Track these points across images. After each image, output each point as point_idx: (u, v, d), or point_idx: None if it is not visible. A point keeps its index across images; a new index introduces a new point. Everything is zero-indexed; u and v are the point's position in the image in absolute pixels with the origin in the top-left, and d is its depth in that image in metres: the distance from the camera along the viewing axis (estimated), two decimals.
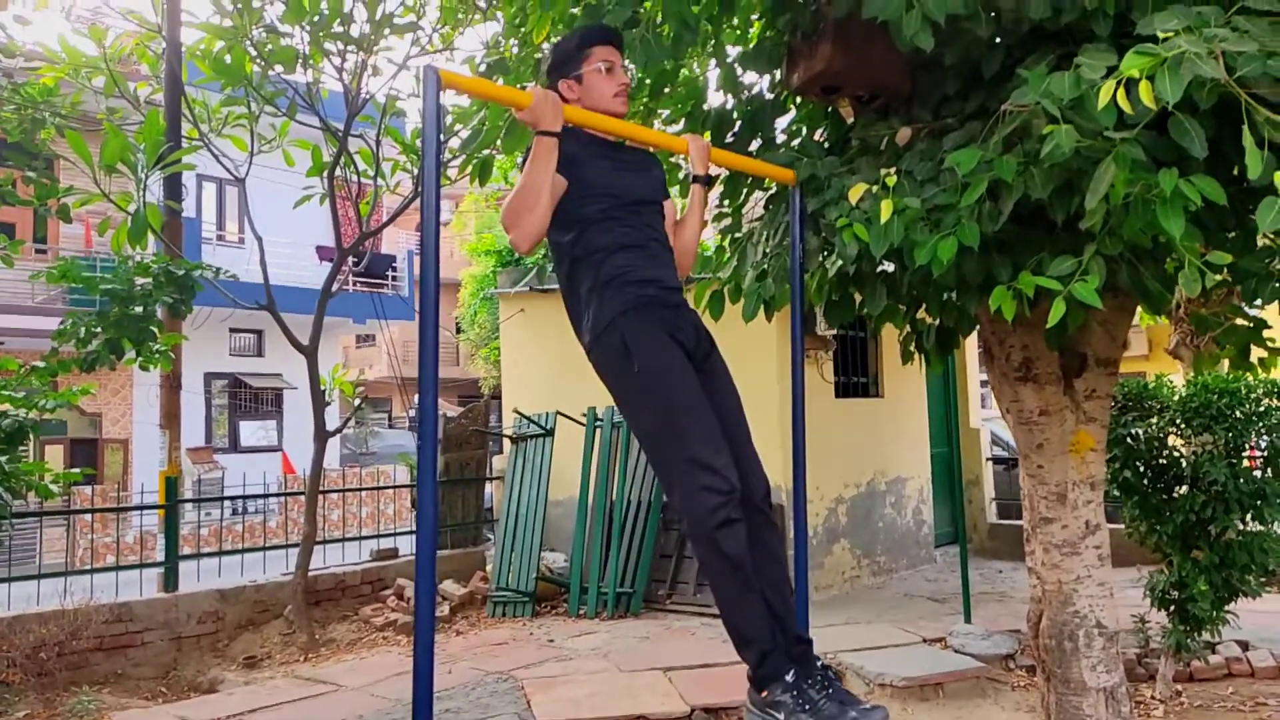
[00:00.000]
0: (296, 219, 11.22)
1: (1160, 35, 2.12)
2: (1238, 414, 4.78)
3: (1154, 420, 5.02)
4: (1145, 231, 2.37)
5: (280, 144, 7.80)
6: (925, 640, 5.97)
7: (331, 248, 13.60)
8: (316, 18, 6.87)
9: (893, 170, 2.67)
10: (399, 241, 20.64)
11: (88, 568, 7.24)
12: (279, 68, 7.30)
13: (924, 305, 3.52)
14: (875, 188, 2.70)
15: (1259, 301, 2.93)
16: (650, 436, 2.46)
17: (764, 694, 2.36)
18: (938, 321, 3.66)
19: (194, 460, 14.92)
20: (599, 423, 7.46)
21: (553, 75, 2.67)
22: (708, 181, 2.81)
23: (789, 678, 2.30)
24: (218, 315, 13.88)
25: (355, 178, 7.90)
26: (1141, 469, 5.00)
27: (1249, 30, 2.20)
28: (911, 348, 3.93)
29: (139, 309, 5.77)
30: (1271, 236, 2.93)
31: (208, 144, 7.60)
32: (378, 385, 27.04)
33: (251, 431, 15.98)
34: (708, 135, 3.73)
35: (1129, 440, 4.99)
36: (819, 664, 2.38)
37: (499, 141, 3.96)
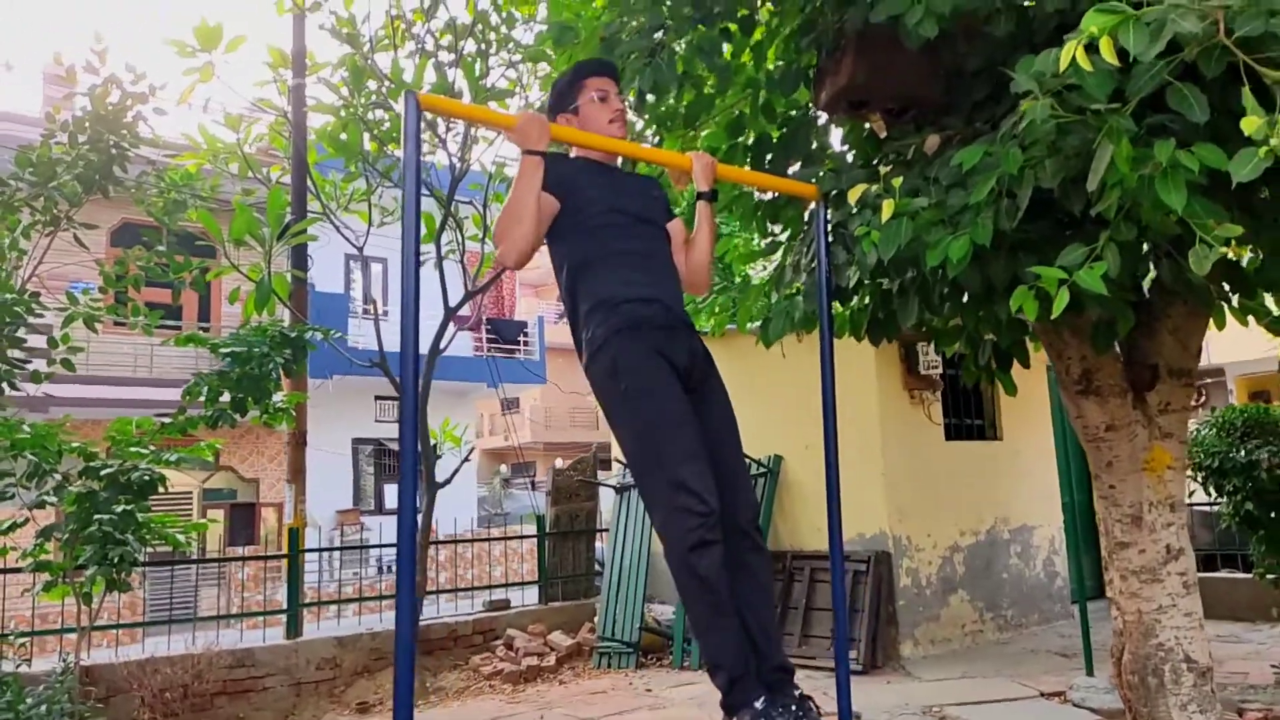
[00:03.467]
0: (433, 290, 11.86)
1: None
2: None
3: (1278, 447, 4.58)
4: (1156, 210, 2.21)
5: (402, 216, 8.27)
6: (1043, 694, 5.55)
7: (466, 316, 14.26)
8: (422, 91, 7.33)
9: (890, 170, 2.60)
10: (535, 310, 21.33)
11: (213, 615, 7.67)
12: (393, 144, 7.80)
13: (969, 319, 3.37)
14: (876, 188, 2.63)
15: None
16: (634, 456, 2.46)
17: None
18: (991, 335, 3.49)
19: (342, 521, 15.69)
20: None
21: (553, 114, 2.76)
22: (713, 197, 2.82)
23: (758, 704, 2.23)
24: (363, 385, 14.70)
25: (464, 243, 8.27)
26: (1266, 502, 4.55)
27: None
28: (973, 367, 3.75)
29: (258, 369, 6.17)
30: None
31: (331, 217, 8.15)
32: (524, 451, 27.74)
33: (396, 494, 16.65)
34: (748, 163, 3.74)
35: (1251, 470, 4.57)
36: (796, 693, 2.29)
37: None
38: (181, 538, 6.14)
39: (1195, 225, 2.12)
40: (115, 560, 5.53)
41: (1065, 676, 5.89)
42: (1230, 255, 3.36)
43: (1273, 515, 4.53)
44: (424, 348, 7.98)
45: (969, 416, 7.68)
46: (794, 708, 2.20)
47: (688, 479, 2.28)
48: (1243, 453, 4.56)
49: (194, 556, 8.93)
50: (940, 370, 7.00)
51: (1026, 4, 2.93)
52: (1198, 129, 2.20)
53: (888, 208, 2.56)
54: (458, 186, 7.77)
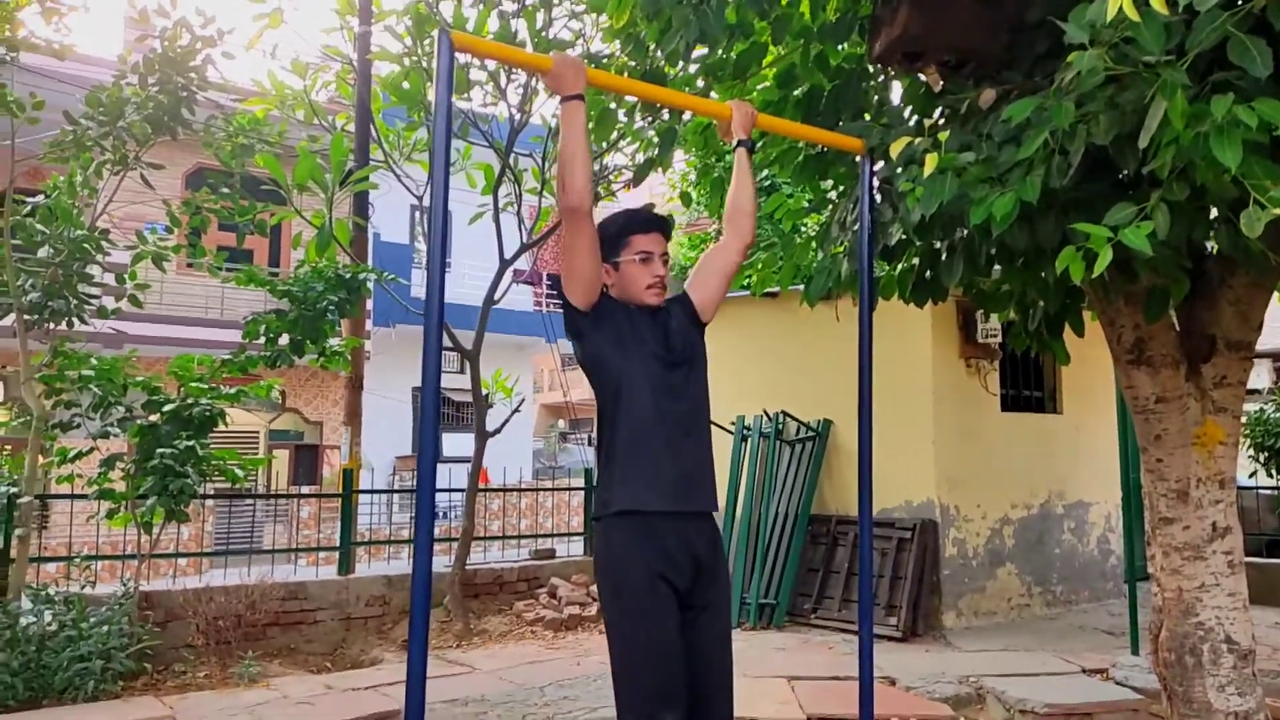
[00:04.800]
0: (490, 240, 11.97)
1: None
2: None
3: None
4: (1211, 169, 2.11)
5: (464, 166, 8.31)
6: (1085, 671, 5.46)
7: (523, 270, 14.30)
8: None
9: (938, 124, 2.52)
10: None
11: (268, 549, 7.92)
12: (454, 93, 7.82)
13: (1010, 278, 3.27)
14: (922, 141, 2.55)
15: None
16: (616, 666, 2.44)
17: None
18: (1039, 300, 3.39)
19: (400, 467, 16.04)
20: (747, 431, 7.38)
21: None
22: (751, 146, 2.77)
23: None
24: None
25: (522, 195, 8.28)
26: None
27: None
28: (1022, 332, 3.65)
29: (313, 309, 6.30)
30: None
31: (393, 165, 8.22)
32: (581, 406, 27.94)
33: (455, 443, 16.95)
34: (799, 116, 3.66)
35: None
36: None
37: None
38: (240, 473, 6.34)
39: (1251, 186, 2.02)
40: (175, 492, 5.74)
41: (1110, 655, 5.78)
42: None
43: None
44: (480, 300, 8.07)
45: (1028, 388, 7.50)
46: None
47: (658, 710, 2.32)
48: None
49: (255, 492, 9.22)
50: (1000, 339, 6.84)
51: None
52: (1263, 86, 2.09)
53: (930, 162, 2.48)
54: (516, 138, 7.78)
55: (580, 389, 27.22)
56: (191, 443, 5.84)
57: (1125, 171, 2.50)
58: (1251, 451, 4.58)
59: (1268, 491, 6.72)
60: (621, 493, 2.43)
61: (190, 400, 5.94)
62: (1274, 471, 4.52)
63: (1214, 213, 2.71)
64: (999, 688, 5.10)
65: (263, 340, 6.51)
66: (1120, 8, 2.09)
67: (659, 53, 3.20)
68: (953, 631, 6.54)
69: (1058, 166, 2.51)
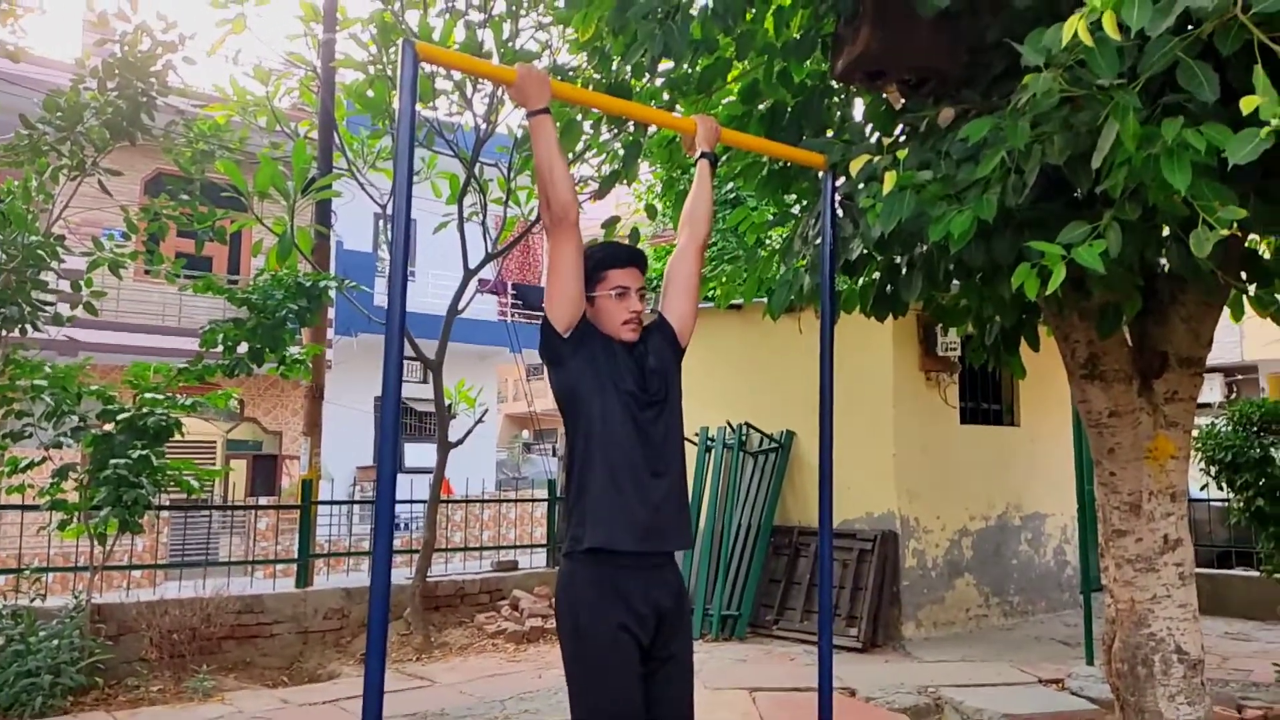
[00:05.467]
0: (454, 249, 11.92)
1: None
2: None
3: None
4: (1162, 190, 2.16)
5: (429, 176, 8.27)
6: (1041, 681, 5.53)
7: (488, 279, 14.22)
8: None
9: (893, 141, 2.56)
10: None
11: (224, 561, 7.80)
12: (420, 101, 7.79)
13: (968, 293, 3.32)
14: (879, 159, 2.59)
15: None
16: (574, 705, 2.43)
17: None
18: (996, 315, 3.44)
19: (361, 478, 15.88)
20: (711, 443, 7.40)
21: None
22: (714, 159, 2.79)
23: None
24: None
25: (487, 205, 8.25)
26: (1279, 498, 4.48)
27: None
28: (979, 346, 3.71)
29: (272, 317, 6.23)
30: None
31: (356, 173, 8.16)
32: (546, 417, 27.83)
33: (416, 453, 16.81)
34: (762, 131, 3.69)
35: (1265, 465, 4.49)
36: None
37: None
38: (196, 484, 6.24)
39: (1200, 207, 2.07)
40: (129, 503, 5.63)
41: (1066, 665, 5.86)
42: (1249, 244, 3.30)
43: None
44: (444, 309, 8.04)
45: (986, 401, 7.61)
46: None
47: None
48: (1257, 448, 4.48)
49: (211, 503, 9.07)
50: (959, 353, 6.92)
51: None
52: (1211, 109, 2.14)
53: (889, 180, 2.52)
54: (482, 148, 7.76)
55: (545, 399, 27.13)
56: (146, 453, 5.74)
57: (1079, 191, 2.55)
58: (1203, 465, 4.69)
59: (1219, 504, 6.86)
60: (592, 532, 2.39)
61: (145, 410, 5.84)
62: (1224, 484, 4.62)
63: (1165, 231, 2.78)
64: (957, 698, 5.16)
65: (221, 349, 6.42)
66: (1075, 33, 2.16)
67: (624, 66, 3.22)
68: (912, 642, 6.60)
69: (1013, 185, 2.56)
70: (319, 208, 8.20)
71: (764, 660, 6.18)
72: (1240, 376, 15.13)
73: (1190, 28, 2.20)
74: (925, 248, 3.12)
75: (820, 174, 3.15)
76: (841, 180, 3.20)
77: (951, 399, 7.15)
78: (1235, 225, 2.08)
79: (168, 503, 7.66)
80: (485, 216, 8.16)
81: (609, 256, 2.61)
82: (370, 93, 7.48)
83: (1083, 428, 7.35)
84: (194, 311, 13.56)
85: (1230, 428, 4.62)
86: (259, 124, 8.16)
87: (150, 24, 6.46)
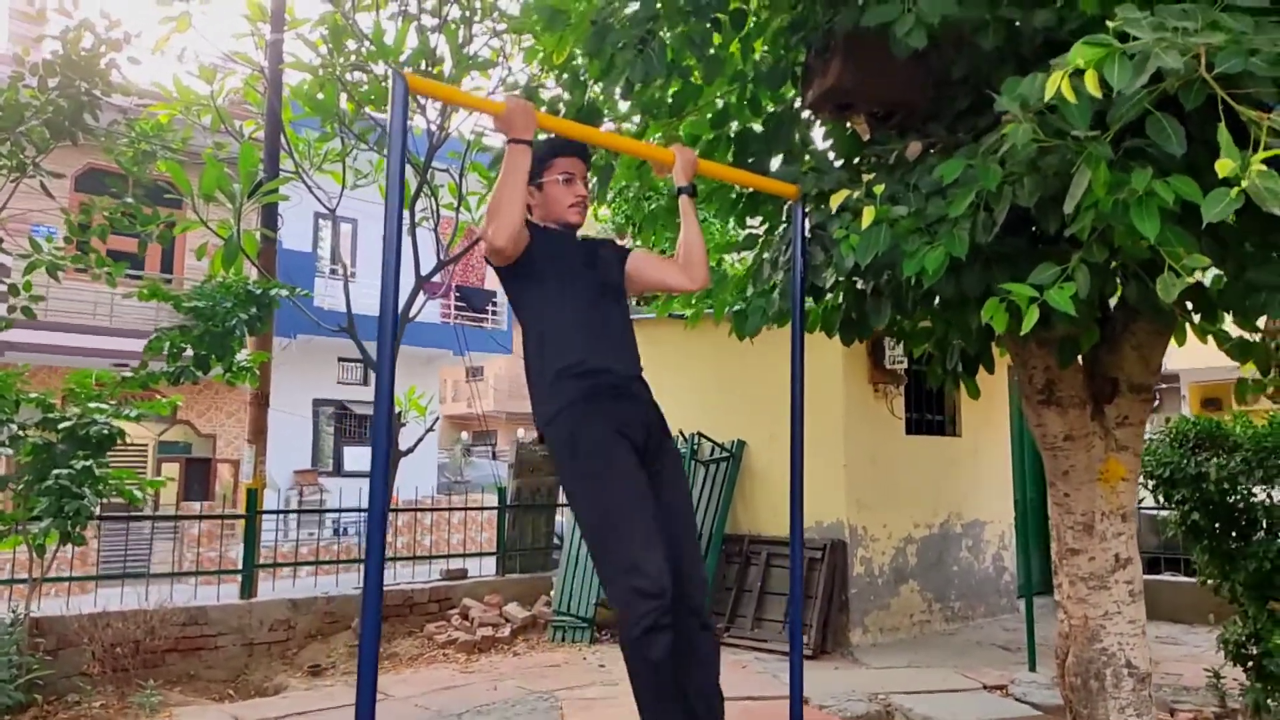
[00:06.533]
0: (407, 254, 11.77)
1: (1127, 30, 2.06)
2: None
3: (1226, 460, 4.70)
4: (1129, 235, 2.27)
5: (376, 179, 8.18)
6: (985, 687, 5.70)
7: (438, 284, 14.10)
8: (403, 56, 7.24)
9: (873, 177, 2.64)
10: None
11: (168, 572, 7.62)
12: (371, 105, 7.70)
13: (934, 321, 3.43)
14: (858, 194, 2.67)
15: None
16: (590, 531, 2.48)
17: None
18: (960, 342, 3.56)
19: (299, 482, 15.60)
20: None
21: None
22: (693, 192, 2.84)
23: None
24: (326, 346, 14.57)
25: (438, 210, 8.20)
26: (1212, 512, 4.68)
27: (1231, 26, 2.11)
28: (940, 370, 3.82)
29: (220, 325, 6.11)
30: None
31: (303, 177, 8.03)
32: (487, 419, 27.65)
33: (355, 456, 16.59)
34: (730, 155, 3.76)
35: (1200, 481, 4.69)
36: None
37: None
38: (139, 494, 6.09)
39: (1166, 253, 2.18)
40: (71, 514, 5.48)
41: (1007, 670, 6.05)
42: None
43: (1217, 526, 4.66)
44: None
45: (930, 412, 7.80)
46: None
47: (643, 563, 2.32)
48: (1193, 464, 4.68)
49: (150, 512, 8.84)
50: (905, 365, 7.10)
51: (1014, 20, 2.96)
52: (1173, 156, 2.26)
53: (868, 215, 2.59)
54: (434, 154, 7.70)
55: (486, 400, 26.94)
56: (89, 463, 5.59)
57: (1046, 230, 2.65)
58: (1142, 480, 4.88)
59: (1149, 512, 7.14)
60: (558, 386, 2.53)
61: (88, 419, 5.69)
62: (1162, 498, 4.82)
63: (1115, 264, 2.90)
64: (907, 705, 5.29)
65: (166, 355, 6.27)
66: (1048, 83, 2.25)
67: (604, 90, 3.25)
68: (859, 648, 6.74)
69: (983, 223, 2.65)
70: (265, 211, 8.06)
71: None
72: (1163, 386, 15.73)
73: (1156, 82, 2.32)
74: (891, 276, 3.21)
75: (789, 202, 3.23)
76: (810, 208, 3.28)
77: (898, 410, 7.32)
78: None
79: (103, 511, 7.45)
80: (437, 223, 8.10)
81: (554, 145, 2.76)
82: (321, 95, 7.38)
83: (1023, 438, 7.58)
84: (124, 311, 13.18)
85: (1168, 445, 4.81)
86: (203, 123, 7.97)
87: (92, 20, 6.27)
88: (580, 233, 2.83)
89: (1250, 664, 4.64)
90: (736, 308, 3.69)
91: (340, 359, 16.35)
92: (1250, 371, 3.44)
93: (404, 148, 2.28)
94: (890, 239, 2.69)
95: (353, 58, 7.38)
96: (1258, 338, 3.18)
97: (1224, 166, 1.81)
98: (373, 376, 7.75)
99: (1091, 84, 1.92)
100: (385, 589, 7.47)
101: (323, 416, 16.52)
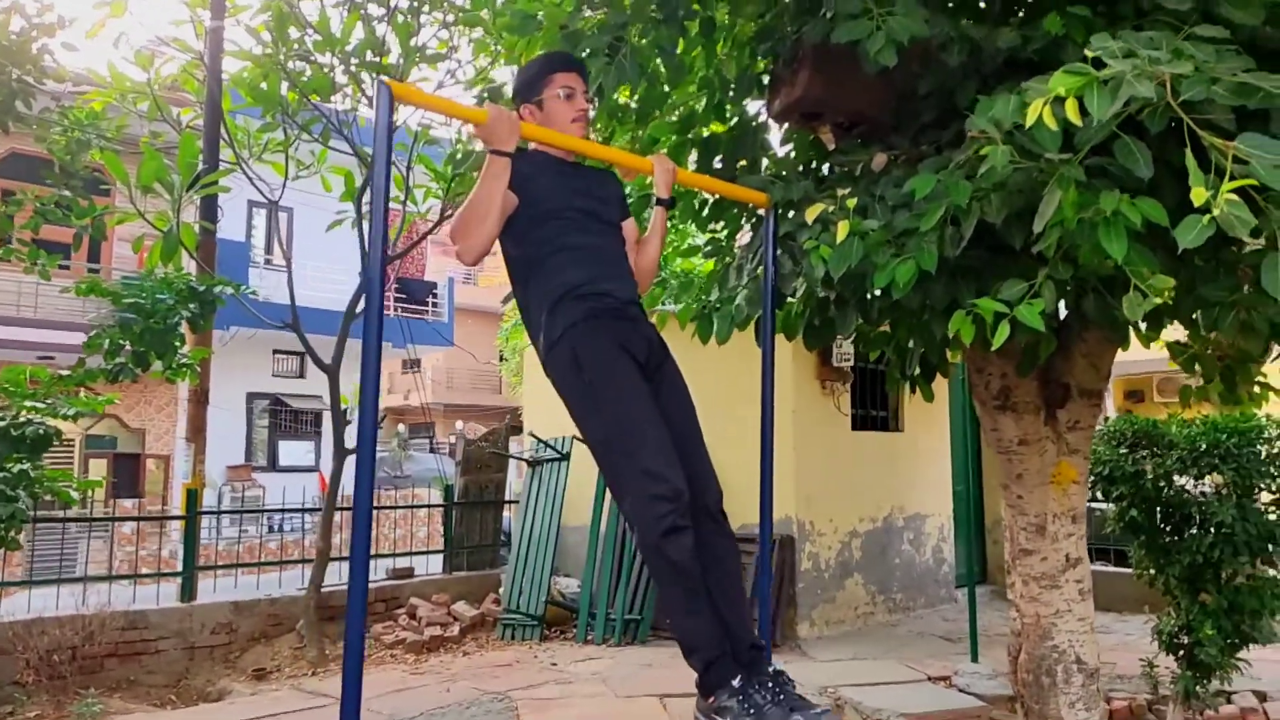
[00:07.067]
0: (343, 245, 11.55)
1: (1102, 58, 2.13)
2: (1247, 453, 4.65)
3: (1163, 459, 4.91)
4: (1095, 254, 2.36)
5: (319, 170, 8.03)
6: (930, 678, 5.86)
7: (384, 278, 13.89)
8: (349, 46, 7.11)
9: (849, 190, 2.69)
10: (444, 269, 20.98)
11: (105, 575, 7.41)
12: (315, 95, 7.54)
13: (901, 329, 3.51)
14: (833, 208, 2.72)
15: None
16: (601, 446, 2.49)
17: (710, 700, 2.36)
18: (921, 349, 3.65)
19: (233, 477, 15.25)
20: None
21: (516, 100, 2.76)
22: (670, 204, 2.86)
23: (735, 683, 2.30)
24: (262, 338, 14.25)
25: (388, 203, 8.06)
26: (1149, 508, 4.88)
27: (1194, 55, 2.20)
28: (897, 375, 3.91)
29: (162, 322, 5.95)
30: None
31: (244, 168, 7.84)
32: (420, 411, 27.32)
33: (290, 451, 16.29)
34: (695, 158, 3.79)
35: (1138, 479, 4.88)
36: (770, 669, 2.38)
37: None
38: (75, 495, 5.91)
39: (1132, 273, 2.27)
40: (5, 518, 5.28)
41: (950, 661, 6.22)
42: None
43: (1153, 522, 4.85)
44: (338, 305, 7.83)
45: (874, 408, 7.96)
46: (770, 684, 2.29)
47: (658, 468, 2.33)
48: (1130, 462, 4.87)
49: (84, 512, 8.56)
50: (852, 362, 7.23)
51: (979, 38, 3.03)
52: (1139, 178, 2.35)
53: (843, 228, 2.64)
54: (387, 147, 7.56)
55: (424, 391, 26.59)
56: (25, 465, 5.40)
57: (1011, 244, 2.74)
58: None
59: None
60: (556, 310, 2.53)
61: (24, 419, 5.49)
62: (1101, 494, 5.01)
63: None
64: (855, 698, 5.40)
65: (104, 352, 6.07)
66: (1021, 106, 2.33)
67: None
68: (807, 641, 6.87)
69: (950, 237, 2.73)
70: (204, 202, 7.85)
71: (670, 664, 6.30)
72: None
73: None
74: (860, 286, 3.28)
75: (760, 210, 3.27)
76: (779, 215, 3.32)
77: (844, 407, 7.46)
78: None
79: (33, 512, 7.19)
80: (386, 215, 7.96)
81: (551, 61, 2.77)
82: (264, 84, 7.20)
83: (966, 433, 7.77)
84: (49, 302, 12.73)
85: (1106, 444, 4.99)
86: (139, 111, 7.72)
87: (23, 3, 6.04)
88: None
89: (1182, 653, 4.86)
90: (701, 314, 3.71)
91: (275, 351, 16.01)
92: (1174, 368, 3.60)
93: (389, 162, 2.26)
94: (862, 251, 2.74)
95: (295, 46, 7.22)
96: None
97: (1199, 196, 1.89)
98: (310, 370, 7.66)
99: (1072, 112, 1.99)
100: (330, 589, 7.40)
101: (257, 410, 16.16)
